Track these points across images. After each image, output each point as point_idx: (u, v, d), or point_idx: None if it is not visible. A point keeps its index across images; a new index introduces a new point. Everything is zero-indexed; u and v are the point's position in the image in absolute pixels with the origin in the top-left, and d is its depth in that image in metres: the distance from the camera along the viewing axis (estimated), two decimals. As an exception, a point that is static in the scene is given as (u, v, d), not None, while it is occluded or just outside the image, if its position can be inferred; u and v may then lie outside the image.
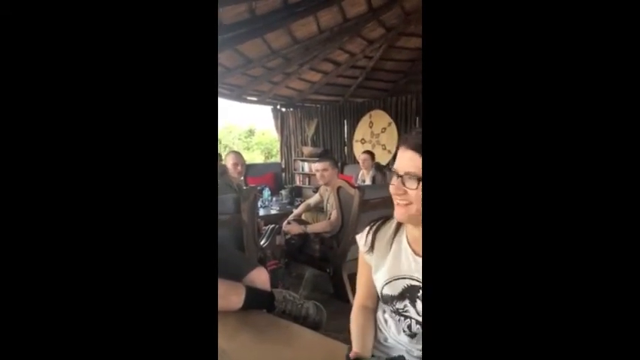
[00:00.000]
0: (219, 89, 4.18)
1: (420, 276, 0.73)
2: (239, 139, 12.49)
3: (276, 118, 5.30)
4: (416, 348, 0.77)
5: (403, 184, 0.67)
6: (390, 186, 0.70)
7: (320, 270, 2.18)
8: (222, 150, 11.18)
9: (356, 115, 4.93)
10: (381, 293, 0.80)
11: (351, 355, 0.75)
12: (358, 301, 0.88)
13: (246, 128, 12.83)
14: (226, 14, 2.62)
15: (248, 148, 11.73)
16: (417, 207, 0.67)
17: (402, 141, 0.71)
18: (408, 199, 0.68)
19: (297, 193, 4.56)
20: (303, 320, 1.25)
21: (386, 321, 0.84)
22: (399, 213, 0.71)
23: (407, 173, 0.67)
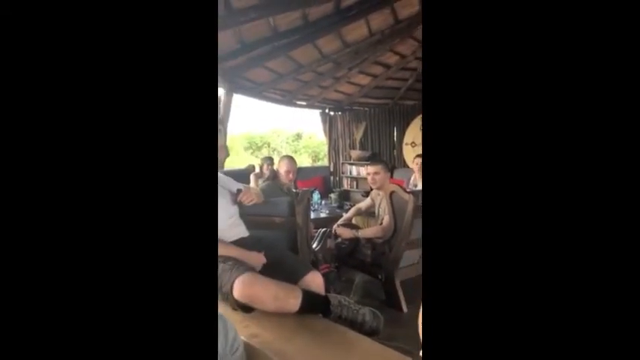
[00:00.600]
0: (272, 94, 4.30)
1: None
2: (287, 142, 12.76)
3: (324, 121, 5.33)
4: None
5: None
6: None
7: (371, 276, 2.15)
8: (270, 153, 11.50)
9: (406, 118, 4.82)
10: None
11: None
12: None
13: (293, 132, 13.08)
14: (280, 21, 2.69)
15: (295, 152, 11.94)
16: None
17: None
18: None
19: (345, 197, 4.55)
20: (359, 326, 1.24)
21: None
22: None
23: None
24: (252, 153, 11.94)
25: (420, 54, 3.95)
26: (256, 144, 12.52)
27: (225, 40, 2.67)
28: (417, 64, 4.22)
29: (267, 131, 12.98)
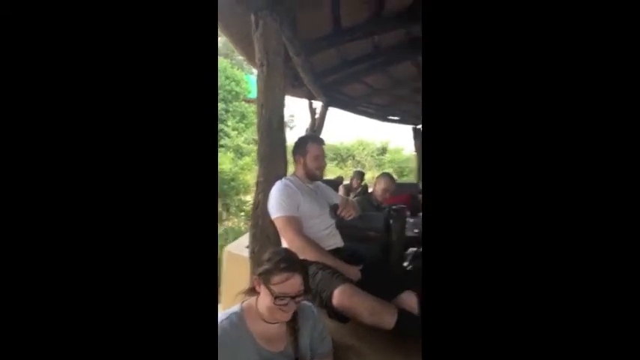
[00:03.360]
0: (365, 109, 4.37)
1: None
2: (371, 156, 12.73)
3: (416, 137, 5.22)
4: None
5: None
6: None
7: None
8: (355, 166, 11.59)
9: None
10: None
11: None
12: None
13: (379, 145, 13.00)
14: (383, 39, 2.74)
15: (380, 166, 11.85)
16: None
17: None
18: None
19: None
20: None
21: None
22: None
23: None
24: (337, 164, 12.18)
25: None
26: (341, 156, 12.74)
27: (328, 57, 2.81)
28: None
29: (352, 142, 13.10)
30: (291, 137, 1.73)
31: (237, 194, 5.68)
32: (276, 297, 0.87)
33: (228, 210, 5.28)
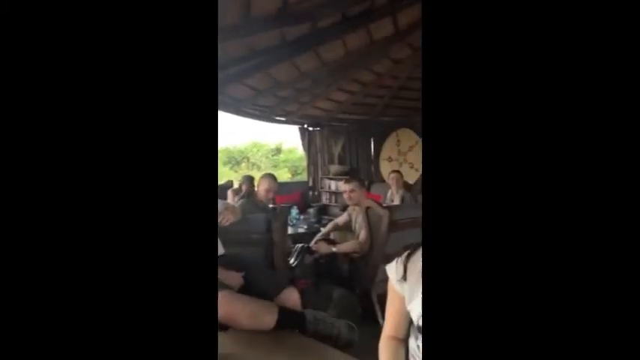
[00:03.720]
0: (251, 110, 4.33)
1: None
2: (266, 157, 12.70)
3: (303, 137, 5.39)
4: None
5: None
6: None
7: (348, 290, 2.17)
8: (250, 168, 11.42)
9: (383, 134, 4.94)
10: (418, 324, 0.78)
11: None
12: (387, 332, 0.87)
13: (273, 145, 13.05)
14: (258, 40, 2.75)
15: (275, 166, 11.91)
16: None
17: None
18: None
19: (323, 212, 4.59)
20: (335, 340, 1.25)
21: (418, 347, 0.82)
22: None
23: None
24: (231, 168, 11.83)
25: (395, 73, 4.10)
26: (235, 159, 12.41)
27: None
28: (392, 82, 4.36)
29: (246, 144, 12.88)
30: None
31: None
32: None
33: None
